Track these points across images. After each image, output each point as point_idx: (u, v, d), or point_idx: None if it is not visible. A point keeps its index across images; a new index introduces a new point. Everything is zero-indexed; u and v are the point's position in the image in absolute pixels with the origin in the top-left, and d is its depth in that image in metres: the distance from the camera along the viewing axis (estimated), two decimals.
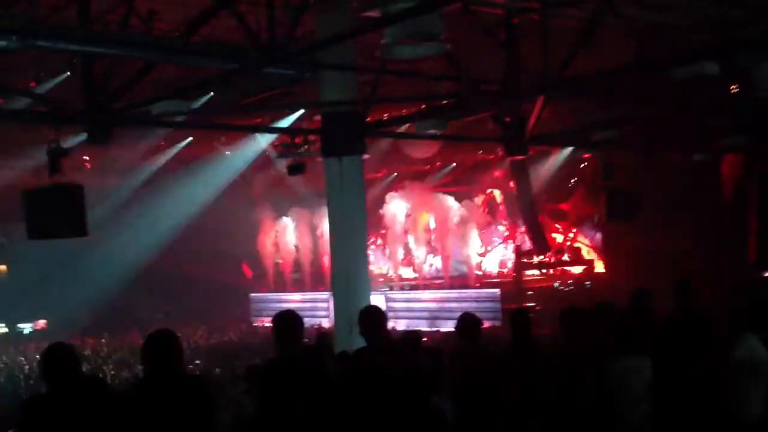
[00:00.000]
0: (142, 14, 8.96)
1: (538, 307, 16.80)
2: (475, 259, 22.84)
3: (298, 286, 24.10)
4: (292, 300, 22.61)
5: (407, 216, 22.93)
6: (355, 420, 4.73)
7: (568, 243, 21.80)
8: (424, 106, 13.38)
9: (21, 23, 7.09)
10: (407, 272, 25.14)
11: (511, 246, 22.86)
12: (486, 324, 11.27)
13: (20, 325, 22.71)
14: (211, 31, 10.79)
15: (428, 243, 23.52)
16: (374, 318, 5.43)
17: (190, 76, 10.93)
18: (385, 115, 15.31)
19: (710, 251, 15.97)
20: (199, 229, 22.40)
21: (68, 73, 10.87)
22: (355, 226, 11.41)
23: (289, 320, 4.96)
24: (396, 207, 22.76)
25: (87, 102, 8.36)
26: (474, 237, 22.39)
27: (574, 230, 22.06)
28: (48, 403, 4.37)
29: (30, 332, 22.49)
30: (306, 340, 6.04)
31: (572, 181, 21.37)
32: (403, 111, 14.60)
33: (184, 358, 4.64)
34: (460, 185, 23.34)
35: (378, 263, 25.06)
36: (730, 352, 5.36)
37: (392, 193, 22.71)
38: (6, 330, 22.47)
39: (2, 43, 6.71)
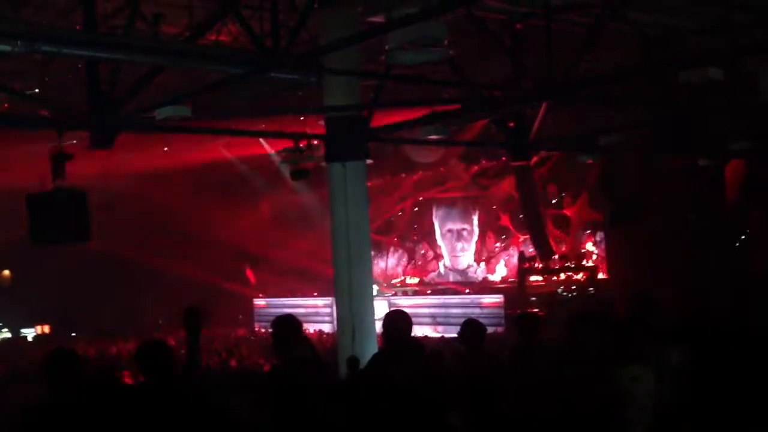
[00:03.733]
0: (147, 18, 8.97)
1: (541, 313, 16.75)
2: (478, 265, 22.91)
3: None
4: (295, 305, 22.58)
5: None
6: (364, 428, 4.68)
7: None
8: (428, 111, 13.38)
9: (26, 28, 7.08)
10: (411, 278, 25.21)
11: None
12: (489, 330, 11.23)
13: (23, 331, 22.72)
14: (216, 36, 10.83)
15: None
16: (396, 323, 5.38)
17: (194, 80, 10.94)
18: (390, 120, 15.32)
19: (714, 258, 15.92)
20: (204, 234, 22.46)
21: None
22: (359, 232, 11.37)
23: (287, 325, 4.96)
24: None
25: (91, 106, 8.35)
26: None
27: (577, 236, 22.03)
28: (47, 411, 4.26)
29: (33, 337, 22.51)
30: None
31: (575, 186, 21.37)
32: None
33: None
34: (469, 190, 23.47)
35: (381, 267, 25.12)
36: None
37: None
38: (9, 335, 22.49)
39: (7, 48, 6.68)
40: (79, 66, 10.21)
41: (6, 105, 10.79)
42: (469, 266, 23.98)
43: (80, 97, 8.57)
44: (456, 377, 5.91)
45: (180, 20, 10.09)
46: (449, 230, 24.41)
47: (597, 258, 21.25)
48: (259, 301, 24.52)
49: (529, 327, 6.16)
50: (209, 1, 9.91)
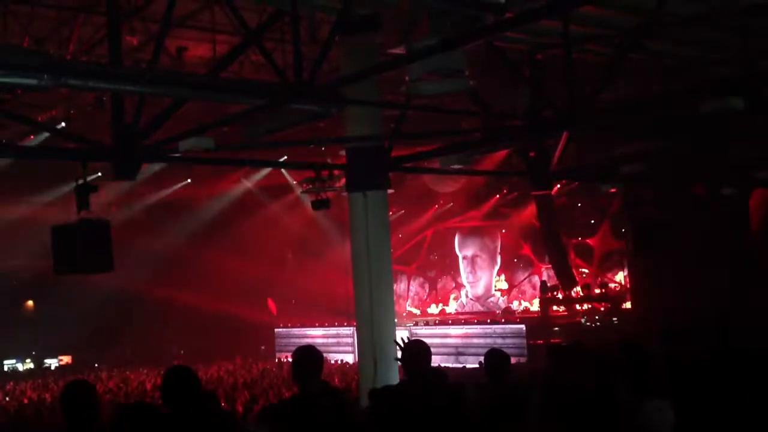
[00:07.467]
0: (171, 52, 9.10)
1: (564, 344, 16.56)
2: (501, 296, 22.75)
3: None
4: (316, 335, 22.53)
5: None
6: None
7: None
8: (448, 141, 13.39)
9: (52, 61, 7.18)
10: (433, 308, 25.10)
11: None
12: (512, 360, 11.13)
13: (46, 361, 22.81)
14: (238, 69, 10.97)
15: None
16: (418, 354, 5.34)
17: (217, 112, 11.05)
18: (411, 150, 15.36)
19: (739, 287, 15.69)
20: (224, 265, 22.53)
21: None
22: (380, 261, 11.34)
23: (309, 356, 4.93)
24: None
25: (116, 138, 8.43)
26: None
27: (600, 265, 21.86)
28: None
29: (56, 367, 22.58)
30: None
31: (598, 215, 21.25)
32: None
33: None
34: (490, 220, 23.41)
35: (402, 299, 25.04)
36: None
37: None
38: (32, 365, 22.58)
39: (33, 82, 6.77)
40: (104, 98, 10.35)
41: (32, 137, 10.98)
42: (490, 295, 23.84)
43: (104, 128, 8.66)
44: (479, 408, 5.78)
45: (203, 53, 10.22)
46: (468, 259, 24.35)
47: (620, 287, 21.04)
48: (281, 331, 24.47)
49: (562, 357, 6.11)
50: (232, 35, 10.04)
